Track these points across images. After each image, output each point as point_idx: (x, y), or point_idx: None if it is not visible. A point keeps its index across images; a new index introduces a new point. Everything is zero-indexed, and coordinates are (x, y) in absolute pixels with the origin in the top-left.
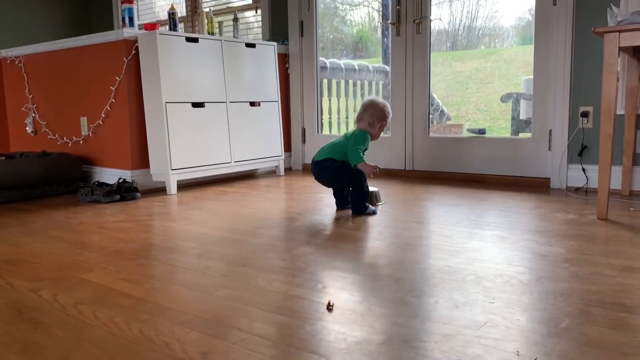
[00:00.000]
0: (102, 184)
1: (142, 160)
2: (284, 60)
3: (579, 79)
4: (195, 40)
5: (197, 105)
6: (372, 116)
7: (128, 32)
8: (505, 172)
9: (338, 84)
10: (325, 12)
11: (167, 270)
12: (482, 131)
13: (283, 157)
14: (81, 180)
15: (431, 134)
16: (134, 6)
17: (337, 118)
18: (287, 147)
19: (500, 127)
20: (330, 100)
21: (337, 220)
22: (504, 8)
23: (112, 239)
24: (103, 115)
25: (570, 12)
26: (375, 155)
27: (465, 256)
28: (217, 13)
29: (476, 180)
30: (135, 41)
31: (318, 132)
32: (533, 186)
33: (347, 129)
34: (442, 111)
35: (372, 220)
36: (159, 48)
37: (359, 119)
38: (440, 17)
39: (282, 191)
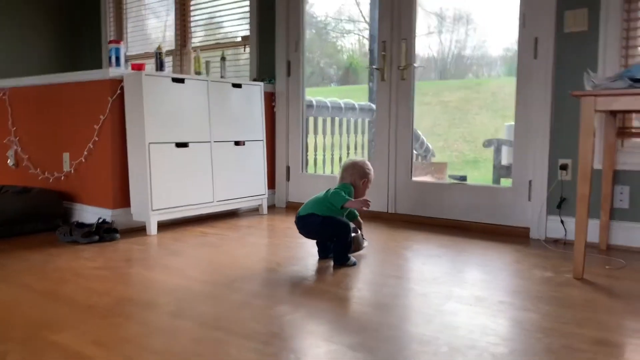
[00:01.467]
0: (81, 224)
1: (123, 199)
2: (270, 98)
3: (558, 131)
4: (181, 80)
5: (181, 145)
6: (353, 175)
7: (114, 72)
8: (486, 220)
9: (324, 121)
10: (316, 38)
11: (140, 332)
12: (463, 178)
13: (266, 195)
14: (61, 217)
15: (414, 178)
16: (121, 46)
17: (322, 156)
18: (272, 184)
19: (481, 173)
20: (316, 138)
21: (318, 272)
22: (491, 39)
23: (86, 290)
24: (86, 153)
25: (550, 67)
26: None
27: (440, 322)
28: (206, 49)
29: (457, 227)
30: (121, 81)
31: (302, 171)
32: (513, 235)
33: (332, 167)
34: (427, 147)
35: (352, 273)
36: (144, 88)
37: (340, 180)
38: (429, 45)
39: (263, 234)
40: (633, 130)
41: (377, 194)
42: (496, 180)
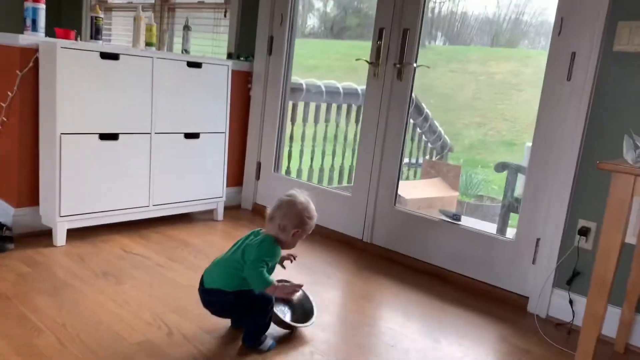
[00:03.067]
0: None
1: (32, 196)
2: (246, 80)
3: (585, 181)
4: (115, 56)
5: (108, 137)
6: (284, 218)
7: (26, 39)
8: (475, 276)
9: (318, 108)
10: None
11: None
12: (456, 217)
13: (223, 198)
14: None
15: (398, 207)
16: (41, 5)
17: (300, 151)
18: (239, 181)
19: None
20: (303, 128)
21: (224, 346)
22: (554, 6)
23: None
24: None
25: (586, 94)
26: (332, 213)
27: None
28: (184, 7)
29: (439, 277)
30: (36, 50)
31: (275, 171)
32: (506, 303)
33: (321, 163)
34: (444, 142)
35: (270, 356)
36: (59, 63)
37: (269, 219)
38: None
39: (196, 258)
40: None
41: (353, 215)
42: (504, 214)
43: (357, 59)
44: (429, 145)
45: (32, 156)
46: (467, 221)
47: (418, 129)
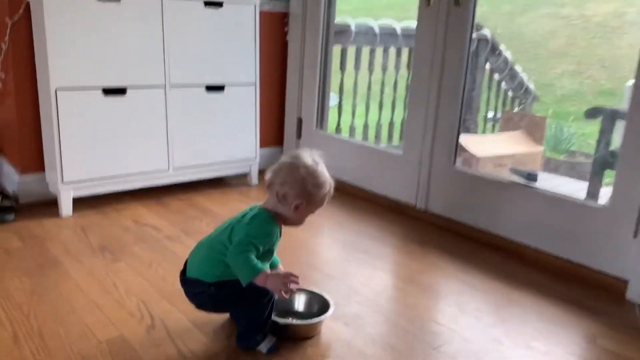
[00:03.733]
0: None
1: (38, 161)
2: (282, 22)
3: None
4: None
5: (113, 91)
6: (284, 186)
7: None
8: (555, 251)
9: (372, 52)
10: None
11: None
12: (531, 177)
13: (257, 159)
14: None
15: (457, 166)
16: None
17: (352, 106)
18: (279, 140)
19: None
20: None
21: (212, 347)
22: None
23: None
24: None
25: None
26: (380, 175)
27: None
28: None
29: (509, 252)
30: None
31: (317, 127)
32: (597, 287)
33: (379, 118)
34: (527, 89)
35: None
36: (47, 7)
37: (267, 186)
38: None
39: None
40: None
41: (405, 177)
42: (596, 173)
43: None
44: (510, 94)
45: (33, 116)
46: (550, 182)
47: (496, 75)
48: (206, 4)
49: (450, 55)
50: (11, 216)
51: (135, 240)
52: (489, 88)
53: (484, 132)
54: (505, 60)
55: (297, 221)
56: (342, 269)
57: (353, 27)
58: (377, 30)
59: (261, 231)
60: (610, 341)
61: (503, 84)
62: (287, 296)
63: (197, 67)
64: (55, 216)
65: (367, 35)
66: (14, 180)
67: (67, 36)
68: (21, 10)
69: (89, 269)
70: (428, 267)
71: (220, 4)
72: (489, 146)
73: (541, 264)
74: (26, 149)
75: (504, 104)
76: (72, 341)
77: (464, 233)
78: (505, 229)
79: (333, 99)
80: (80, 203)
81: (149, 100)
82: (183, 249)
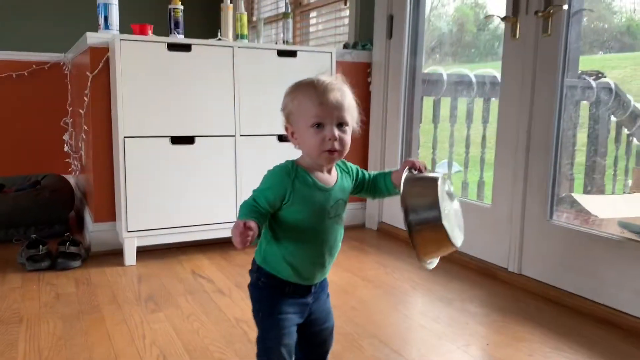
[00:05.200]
0: (37, 242)
1: (110, 211)
2: (365, 73)
3: None
4: (187, 47)
5: (182, 140)
6: (287, 104)
7: (95, 37)
8: None
9: (471, 105)
10: None
11: None
12: None
13: None
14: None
15: (555, 220)
16: (113, 1)
17: (450, 158)
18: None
19: None
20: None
21: None
22: None
23: None
24: (80, 145)
25: None
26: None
27: None
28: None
29: (621, 328)
30: (107, 50)
31: None
32: None
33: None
34: (633, 114)
35: None
36: (118, 59)
37: None
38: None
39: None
40: None
41: (496, 236)
42: None
43: (486, 17)
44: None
45: (108, 166)
46: None
47: (625, 130)
48: (279, 53)
49: (540, 89)
50: (77, 263)
51: (184, 292)
52: (616, 142)
53: (612, 193)
54: (634, 113)
55: (310, 150)
56: (401, 338)
57: (445, 77)
58: (473, 79)
59: (262, 184)
60: None
61: (634, 140)
62: (239, 247)
63: (269, 117)
64: (119, 265)
65: (461, 84)
66: (88, 229)
67: (138, 85)
68: (101, 64)
69: (126, 317)
70: (515, 342)
71: (294, 54)
72: (614, 207)
73: None
74: (100, 198)
75: (637, 162)
76: None
77: (562, 302)
78: (614, 298)
79: (455, 167)
80: (145, 253)
81: (218, 149)
82: (229, 302)
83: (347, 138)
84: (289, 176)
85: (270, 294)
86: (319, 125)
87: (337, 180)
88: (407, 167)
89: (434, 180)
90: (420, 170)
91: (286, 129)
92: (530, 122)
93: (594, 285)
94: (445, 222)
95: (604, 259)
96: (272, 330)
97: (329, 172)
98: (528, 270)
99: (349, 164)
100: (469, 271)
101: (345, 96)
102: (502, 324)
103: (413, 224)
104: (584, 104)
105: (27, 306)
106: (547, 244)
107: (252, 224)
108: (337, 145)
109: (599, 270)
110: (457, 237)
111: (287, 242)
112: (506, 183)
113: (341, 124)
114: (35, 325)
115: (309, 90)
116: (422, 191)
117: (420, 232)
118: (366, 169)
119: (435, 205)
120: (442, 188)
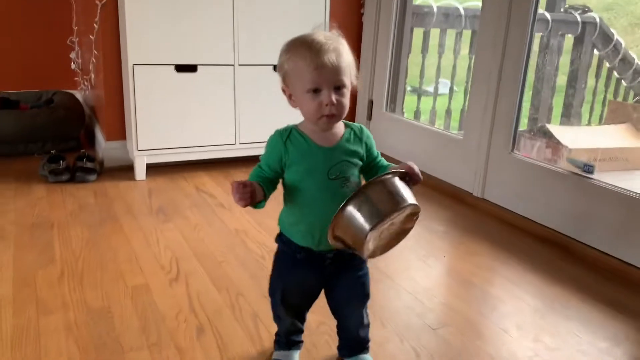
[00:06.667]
0: (57, 157)
1: (121, 131)
2: (359, 3)
3: None
4: None
5: (185, 68)
6: (281, 65)
7: None
8: (609, 250)
9: (459, 36)
10: None
11: None
12: (588, 168)
13: None
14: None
15: (516, 153)
16: None
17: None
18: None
19: None
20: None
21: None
22: None
23: None
24: (91, 67)
25: None
26: (441, 157)
27: None
28: None
29: (561, 245)
30: None
31: (386, 109)
32: None
33: (464, 103)
34: (623, 59)
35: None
36: None
37: None
38: None
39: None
40: None
41: (465, 163)
42: None
43: None
44: (623, 83)
45: (118, 90)
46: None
47: (606, 63)
48: None
49: (513, 33)
50: (93, 177)
51: (190, 205)
52: (595, 76)
53: (588, 124)
54: (617, 46)
55: (308, 115)
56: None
57: (435, 9)
58: (462, 12)
59: (267, 144)
60: (637, 347)
61: (615, 73)
62: (240, 204)
63: (266, 47)
64: (130, 179)
65: (451, 17)
66: (101, 146)
67: (145, 15)
68: None
69: (141, 226)
70: (472, 258)
71: None
72: (585, 138)
73: (590, 259)
74: (112, 119)
75: (614, 95)
76: (104, 283)
77: (516, 224)
78: (556, 221)
79: (444, 85)
80: (153, 169)
81: (219, 77)
82: (229, 215)
83: (345, 100)
84: (282, 138)
85: (282, 259)
86: (315, 91)
87: (340, 140)
88: (401, 170)
89: (400, 205)
90: (412, 180)
91: (284, 91)
92: (503, 55)
93: (541, 209)
94: (370, 234)
95: (551, 188)
96: (277, 293)
97: (331, 131)
98: (490, 195)
99: (367, 132)
100: (440, 194)
101: (342, 57)
102: (461, 241)
103: (347, 211)
104: (569, 37)
105: (55, 214)
106: (507, 173)
107: (249, 182)
108: (334, 109)
109: (546, 197)
110: (369, 250)
111: (293, 204)
112: (478, 114)
113: (338, 87)
114: (65, 230)
115: (303, 52)
116: (382, 201)
117: (347, 220)
118: (355, 95)
119: (374, 221)
120: (400, 217)
